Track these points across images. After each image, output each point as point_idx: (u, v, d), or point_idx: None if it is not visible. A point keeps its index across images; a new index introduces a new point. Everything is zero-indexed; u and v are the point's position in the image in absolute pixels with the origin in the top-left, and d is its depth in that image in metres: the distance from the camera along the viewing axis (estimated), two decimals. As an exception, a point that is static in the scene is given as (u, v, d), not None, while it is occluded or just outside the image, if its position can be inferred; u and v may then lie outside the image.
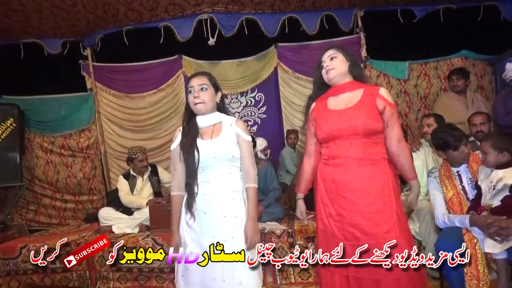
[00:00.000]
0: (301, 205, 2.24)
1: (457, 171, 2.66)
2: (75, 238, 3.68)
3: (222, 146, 2.02)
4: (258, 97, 5.60)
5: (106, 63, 5.46)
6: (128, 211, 3.97)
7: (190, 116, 2.08)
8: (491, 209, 2.34)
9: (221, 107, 2.13)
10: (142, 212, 3.89)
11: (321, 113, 2.08)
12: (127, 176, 4.15)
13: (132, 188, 4.06)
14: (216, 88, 2.11)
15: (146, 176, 4.15)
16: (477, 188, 2.52)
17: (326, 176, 2.06)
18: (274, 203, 3.99)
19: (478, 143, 3.44)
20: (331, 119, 2.02)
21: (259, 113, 5.63)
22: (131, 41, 5.15)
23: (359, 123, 1.96)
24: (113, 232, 3.80)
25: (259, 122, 5.62)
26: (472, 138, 3.54)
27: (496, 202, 2.34)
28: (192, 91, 2.04)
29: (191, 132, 2.03)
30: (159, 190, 4.17)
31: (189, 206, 2.00)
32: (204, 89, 2.04)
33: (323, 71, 2.08)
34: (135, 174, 4.13)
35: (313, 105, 2.15)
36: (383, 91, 2.04)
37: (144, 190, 4.08)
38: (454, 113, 4.09)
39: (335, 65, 2.05)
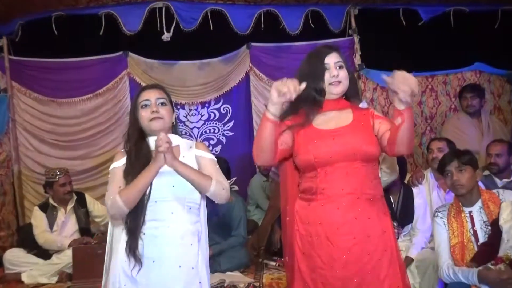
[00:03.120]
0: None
1: (469, 212, 2.70)
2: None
3: None
4: (223, 110, 5.59)
5: (28, 57, 5.34)
6: (44, 254, 3.86)
7: (138, 136, 2.05)
8: (510, 261, 2.34)
9: (176, 130, 2.17)
10: (63, 256, 3.77)
11: (305, 132, 2.00)
12: (44, 207, 4.04)
13: (51, 223, 3.95)
14: (172, 106, 2.14)
15: (70, 207, 4.05)
16: (492, 228, 2.54)
17: (311, 217, 1.97)
18: (237, 248, 3.91)
19: (496, 179, 3.51)
20: (321, 140, 1.96)
21: (224, 130, 5.60)
22: (62, 31, 5.06)
23: (358, 145, 1.93)
24: (22, 282, 3.67)
25: (224, 141, 5.60)
26: (487, 172, 3.59)
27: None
28: (147, 105, 2.05)
29: (141, 155, 2.00)
30: (87, 226, 4.07)
31: (132, 251, 1.92)
32: (163, 104, 2.06)
33: (328, 78, 2.00)
34: (55, 205, 4.02)
35: (289, 117, 2.04)
36: (376, 112, 2.09)
37: (67, 226, 3.98)
38: (466, 139, 4.19)
39: (343, 77, 2.01)
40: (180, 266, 1.95)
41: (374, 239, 1.92)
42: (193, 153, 2.09)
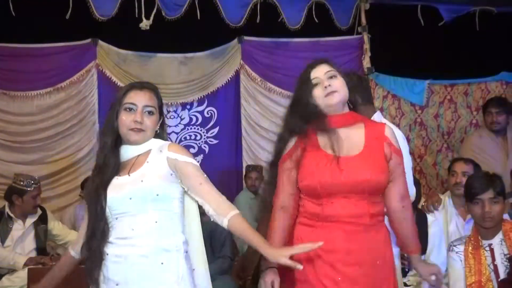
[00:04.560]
0: (271, 276, 2.11)
1: (489, 245, 2.85)
2: None
3: (139, 181, 2.04)
4: (208, 113, 5.69)
5: (-23, 40, 5.38)
6: (-7, 273, 3.86)
7: (112, 141, 2.12)
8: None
9: (160, 136, 2.19)
10: (15, 278, 3.80)
11: (310, 154, 2.16)
12: (-3, 216, 4.06)
13: (3, 236, 3.98)
14: (161, 111, 2.18)
15: (30, 221, 4.10)
16: (510, 263, 2.71)
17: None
18: (220, 275, 4.02)
19: (519, 206, 3.70)
20: (327, 167, 2.10)
21: (207, 137, 5.70)
22: (21, 12, 5.11)
23: (368, 179, 2.08)
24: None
25: (207, 149, 5.70)
26: (512, 199, 3.76)
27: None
28: (132, 110, 2.08)
29: (107, 169, 2.09)
30: (44, 246, 4.12)
31: (91, 275, 2.01)
32: (150, 113, 2.10)
33: (319, 92, 2.15)
34: (12, 216, 4.06)
35: (294, 138, 2.22)
36: (388, 132, 2.22)
37: (24, 243, 4.02)
38: (488, 161, 4.34)
39: (337, 86, 2.14)
40: None
41: (378, 269, 2.11)
42: (163, 157, 2.08)
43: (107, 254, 2.01)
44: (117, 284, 2.00)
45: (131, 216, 2.03)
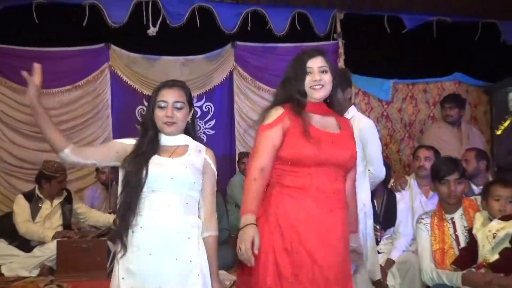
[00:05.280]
0: (253, 231, 1.95)
1: (451, 218, 2.91)
2: None
3: (184, 167, 2.06)
4: (205, 108, 5.70)
5: (4, 44, 5.31)
6: (26, 245, 3.85)
7: (153, 133, 2.12)
8: (490, 264, 2.58)
9: (190, 128, 2.19)
10: (45, 249, 3.78)
11: (298, 127, 2.09)
12: (29, 196, 4.04)
13: (34, 213, 3.96)
14: (191, 104, 2.18)
15: (57, 202, 4.09)
16: (470, 235, 2.77)
17: (299, 214, 2.05)
18: (220, 246, 4.05)
19: (473, 186, 3.76)
20: (322, 141, 2.07)
21: (205, 128, 5.72)
22: (43, 18, 5.06)
23: (351, 153, 2.12)
24: (2, 275, 3.67)
25: (205, 139, 5.70)
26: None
27: (496, 256, 2.59)
28: (164, 107, 2.09)
29: (148, 148, 2.07)
30: (69, 224, 4.12)
31: (120, 240, 1.99)
32: (180, 108, 2.10)
33: (309, 81, 2.13)
34: (41, 196, 4.04)
35: (281, 109, 2.13)
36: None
37: (51, 220, 4.00)
38: (445, 148, 4.38)
39: (326, 81, 2.13)
40: (176, 259, 2.00)
41: (346, 240, 2.13)
42: (202, 156, 2.14)
43: (140, 227, 2.00)
44: (150, 254, 1.99)
45: (167, 193, 2.03)
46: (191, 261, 2.02)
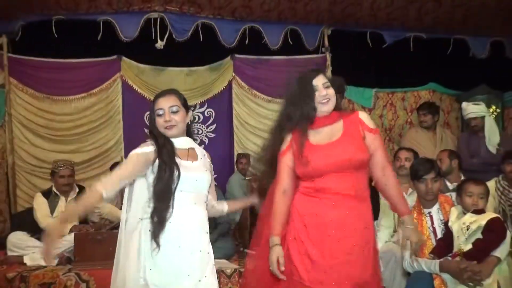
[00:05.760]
0: (278, 251, 2.10)
1: (429, 212, 2.97)
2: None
3: (203, 170, 2.13)
4: (207, 113, 5.71)
5: (27, 55, 5.29)
6: (45, 238, 3.82)
7: (162, 138, 2.12)
8: (464, 253, 2.63)
9: (189, 130, 2.23)
10: (63, 241, 3.75)
11: (303, 149, 2.15)
12: (47, 194, 4.04)
13: (52, 209, 3.95)
14: (187, 107, 2.19)
15: (71, 198, 4.07)
16: (447, 228, 2.83)
17: (308, 209, 2.13)
18: (222, 238, 4.07)
19: (447, 183, 3.81)
20: (316, 155, 2.12)
21: (207, 132, 5.73)
22: (62, 33, 5.06)
23: (348, 157, 2.10)
24: (25, 264, 3.66)
25: (207, 141, 5.73)
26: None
27: (469, 246, 2.63)
28: (161, 114, 2.10)
29: (167, 148, 2.08)
30: (84, 216, 4.05)
31: (156, 237, 1.99)
32: (176, 112, 2.11)
33: (318, 98, 2.15)
34: (57, 193, 4.04)
35: (290, 136, 2.22)
36: (362, 115, 2.23)
37: (68, 214, 3.97)
38: (421, 150, 4.45)
39: (331, 95, 2.16)
40: (200, 251, 2.06)
41: (358, 233, 2.10)
42: (208, 160, 2.23)
43: (169, 222, 2.03)
44: (179, 246, 2.03)
45: (192, 193, 2.09)
46: (208, 253, 2.11)
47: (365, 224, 2.13)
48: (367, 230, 2.13)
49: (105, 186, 1.98)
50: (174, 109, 2.10)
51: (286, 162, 2.20)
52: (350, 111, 2.37)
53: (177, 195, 2.05)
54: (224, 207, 2.39)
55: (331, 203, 2.09)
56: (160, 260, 2.00)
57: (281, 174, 2.20)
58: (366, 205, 2.16)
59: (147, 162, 2.07)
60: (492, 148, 4.30)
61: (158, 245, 2.00)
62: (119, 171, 2.07)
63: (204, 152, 2.26)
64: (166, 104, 2.10)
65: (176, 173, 2.03)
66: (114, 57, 5.43)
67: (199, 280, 2.01)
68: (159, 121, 2.11)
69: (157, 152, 2.06)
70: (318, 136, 2.18)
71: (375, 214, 3.71)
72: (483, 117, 4.40)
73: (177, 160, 2.08)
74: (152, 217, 2.02)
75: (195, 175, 2.09)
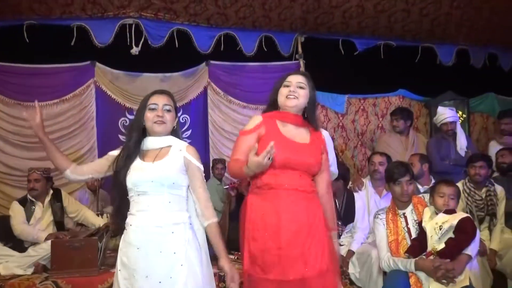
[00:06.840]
0: (255, 160, 2.04)
1: (403, 213, 3.07)
2: None
3: (161, 170, 2.08)
4: (182, 119, 5.71)
5: (-2, 61, 5.19)
6: (19, 246, 3.78)
7: (138, 135, 2.16)
8: (437, 252, 2.74)
9: (176, 131, 2.23)
10: (39, 249, 3.71)
11: (272, 135, 2.22)
12: (23, 202, 3.98)
13: (28, 216, 3.89)
14: (176, 112, 2.24)
15: (46, 201, 4.02)
16: (420, 228, 2.94)
17: (266, 208, 2.19)
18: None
19: (419, 186, 3.94)
20: (288, 147, 2.20)
21: (182, 137, 5.67)
22: (33, 38, 4.99)
23: (312, 162, 2.24)
24: (-1, 274, 3.58)
25: (182, 147, 5.69)
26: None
27: (442, 245, 2.75)
28: (154, 108, 2.13)
29: (130, 152, 2.13)
30: (61, 220, 4.05)
31: (114, 236, 2.08)
32: (169, 110, 2.15)
33: (284, 92, 2.26)
34: (33, 199, 3.98)
35: (260, 118, 2.30)
36: (324, 134, 2.42)
37: (44, 219, 3.94)
38: (393, 154, 4.58)
39: (300, 95, 2.25)
40: (161, 252, 2.03)
41: (314, 227, 2.20)
42: (182, 155, 2.12)
43: (130, 225, 2.06)
44: (138, 248, 2.04)
45: (148, 195, 2.07)
46: (174, 253, 2.04)
47: (319, 218, 2.24)
48: (319, 222, 2.23)
49: (75, 169, 2.17)
50: (167, 108, 2.14)
51: (247, 142, 2.24)
52: (314, 127, 2.39)
53: (135, 198, 2.09)
54: (204, 223, 2.14)
55: (290, 199, 2.19)
56: (126, 262, 2.07)
57: (239, 151, 2.24)
58: (315, 201, 2.28)
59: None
60: (461, 151, 4.48)
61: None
62: (92, 164, 2.26)
63: (182, 147, 2.15)
64: (161, 101, 2.14)
65: (126, 180, 2.10)
66: (88, 62, 5.38)
67: (159, 282, 1.99)
68: (150, 115, 2.12)
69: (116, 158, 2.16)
70: (288, 130, 2.27)
71: (351, 217, 3.86)
72: (456, 122, 4.62)
73: (137, 162, 2.12)
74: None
75: (150, 176, 2.07)
